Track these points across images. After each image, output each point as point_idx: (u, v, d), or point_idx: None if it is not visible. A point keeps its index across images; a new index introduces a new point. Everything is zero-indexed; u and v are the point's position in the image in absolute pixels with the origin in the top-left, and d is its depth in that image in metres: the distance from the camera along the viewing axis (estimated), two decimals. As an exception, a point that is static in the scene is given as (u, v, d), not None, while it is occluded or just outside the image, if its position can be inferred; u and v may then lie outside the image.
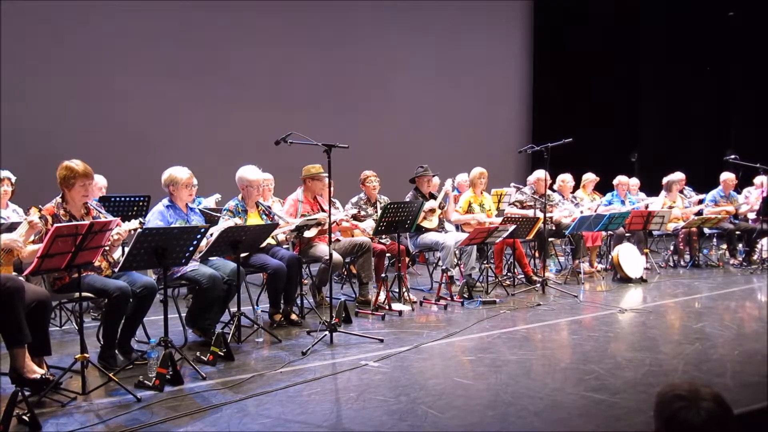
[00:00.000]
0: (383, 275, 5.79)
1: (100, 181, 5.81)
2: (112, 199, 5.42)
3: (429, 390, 3.56)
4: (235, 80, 9.52)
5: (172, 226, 4.45)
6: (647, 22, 13.09)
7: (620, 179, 8.26)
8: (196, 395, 3.51)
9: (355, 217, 6.11)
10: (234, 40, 9.50)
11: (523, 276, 6.90)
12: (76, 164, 3.94)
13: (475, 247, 6.41)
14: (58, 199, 3.97)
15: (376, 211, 6.26)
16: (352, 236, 6.09)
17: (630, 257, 7.06)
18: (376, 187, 6.45)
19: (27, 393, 3.13)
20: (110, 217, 3.94)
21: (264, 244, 5.00)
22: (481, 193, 7.09)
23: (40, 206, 3.79)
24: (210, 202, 6.51)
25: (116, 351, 4.02)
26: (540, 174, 7.19)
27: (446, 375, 3.94)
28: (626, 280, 6.95)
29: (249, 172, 5.21)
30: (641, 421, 3.06)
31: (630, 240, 7.62)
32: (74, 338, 4.44)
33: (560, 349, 4.59)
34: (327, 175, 5.59)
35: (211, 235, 4.46)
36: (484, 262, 6.47)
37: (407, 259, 6.75)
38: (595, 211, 7.44)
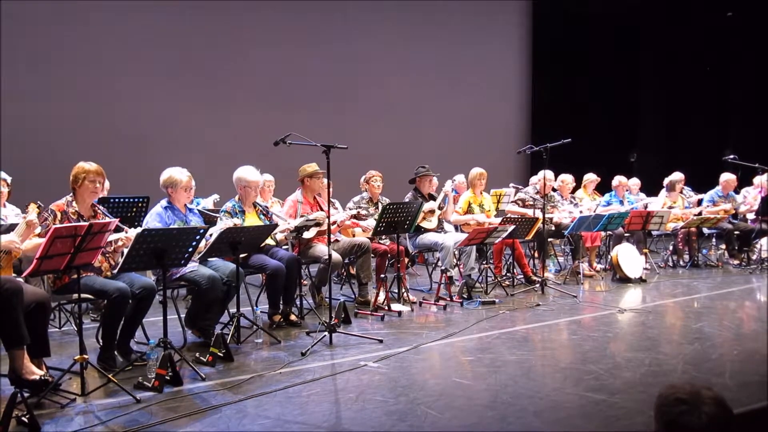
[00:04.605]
0: (383, 276, 5.79)
1: (103, 183, 5.79)
2: (112, 200, 5.42)
3: (428, 390, 3.56)
4: (235, 80, 9.53)
5: (171, 227, 4.44)
6: (647, 22, 13.09)
7: (619, 179, 8.25)
8: (196, 396, 3.51)
9: (356, 217, 6.11)
10: (234, 40, 9.51)
11: (522, 276, 6.90)
12: (89, 164, 4.01)
13: (474, 247, 6.41)
14: (68, 197, 3.99)
15: (378, 211, 6.26)
16: (353, 236, 6.09)
17: (629, 257, 7.06)
18: (379, 187, 6.46)
19: (26, 394, 3.13)
20: (110, 218, 3.94)
21: (263, 245, 5.00)
22: (481, 193, 7.09)
23: (39, 203, 3.79)
24: (208, 202, 6.50)
25: (115, 352, 4.02)
26: (543, 174, 7.20)
27: (446, 375, 3.94)
28: (625, 280, 6.95)
29: (247, 173, 5.20)
30: (641, 422, 3.06)
31: (629, 240, 7.62)
32: (73, 339, 4.44)
33: (560, 349, 4.59)
34: (324, 172, 5.61)
35: (210, 236, 4.46)
36: (484, 262, 6.47)
37: (406, 260, 6.74)
38: (594, 212, 7.44)
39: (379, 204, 6.37)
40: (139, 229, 3.99)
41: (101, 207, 4.21)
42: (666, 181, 8.44)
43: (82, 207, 4.00)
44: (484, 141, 11.74)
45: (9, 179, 5.11)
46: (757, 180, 8.80)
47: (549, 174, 7.07)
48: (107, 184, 5.86)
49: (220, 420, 3.15)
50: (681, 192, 8.57)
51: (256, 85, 9.67)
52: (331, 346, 4.48)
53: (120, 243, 3.95)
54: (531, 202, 7.15)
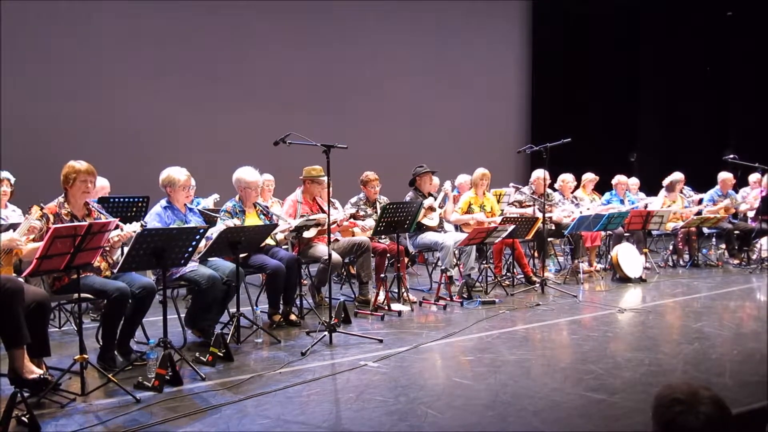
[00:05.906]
0: (383, 275, 5.79)
1: (103, 183, 5.78)
2: (111, 199, 5.42)
3: (428, 390, 3.56)
4: (235, 80, 9.52)
5: (171, 226, 4.44)
6: (647, 22, 13.10)
7: (619, 179, 8.26)
8: (196, 396, 3.51)
9: (354, 217, 6.11)
10: (233, 40, 9.51)
11: (522, 276, 6.89)
12: (80, 162, 3.98)
13: (474, 247, 6.41)
14: (60, 198, 3.98)
15: (376, 211, 6.26)
16: (352, 235, 6.09)
17: (629, 257, 7.06)
18: (376, 191, 6.44)
19: (26, 394, 3.13)
20: (110, 218, 3.94)
21: (263, 245, 5.00)
22: (483, 194, 7.07)
23: (42, 204, 3.79)
24: (208, 202, 6.50)
25: (115, 352, 4.02)
26: (539, 173, 7.20)
27: (445, 375, 3.94)
28: (625, 279, 6.95)
29: (246, 174, 5.20)
30: (640, 421, 3.06)
31: (629, 240, 7.62)
32: (73, 339, 4.44)
33: (559, 349, 4.60)
34: (326, 177, 5.58)
35: (211, 236, 4.45)
36: (484, 262, 6.47)
37: (406, 260, 6.74)
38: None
39: (377, 204, 6.37)
40: (135, 225, 3.98)
41: (95, 204, 4.20)
42: (666, 181, 8.43)
43: (74, 207, 3.99)
44: (483, 141, 11.74)
45: (13, 179, 5.12)
46: (752, 178, 8.79)
47: (542, 173, 7.06)
48: (106, 182, 5.87)
49: (220, 420, 3.15)
50: (681, 192, 8.58)
51: (256, 85, 9.67)
52: (331, 345, 4.48)
53: (116, 238, 3.94)
54: (529, 203, 7.15)
